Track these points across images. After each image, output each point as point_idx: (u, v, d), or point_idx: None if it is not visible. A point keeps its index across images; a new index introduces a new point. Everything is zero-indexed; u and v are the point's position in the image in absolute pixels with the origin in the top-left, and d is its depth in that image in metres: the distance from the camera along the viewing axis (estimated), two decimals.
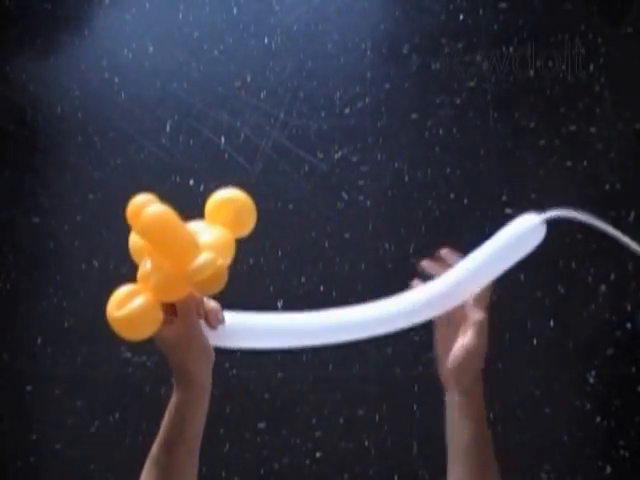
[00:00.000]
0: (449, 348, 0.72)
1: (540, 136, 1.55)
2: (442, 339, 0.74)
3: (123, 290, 0.59)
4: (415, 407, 1.46)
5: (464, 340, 0.70)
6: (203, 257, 0.57)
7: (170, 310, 0.64)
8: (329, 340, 0.73)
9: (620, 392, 1.46)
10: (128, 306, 0.57)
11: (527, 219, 0.72)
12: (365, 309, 0.73)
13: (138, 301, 0.58)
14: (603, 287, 1.49)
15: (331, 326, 0.72)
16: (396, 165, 1.59)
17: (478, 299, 0.71)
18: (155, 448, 0.68)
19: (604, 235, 1.63)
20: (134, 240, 0.63)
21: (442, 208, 1.55)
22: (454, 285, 0.71)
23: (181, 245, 0.58)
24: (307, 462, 1.47)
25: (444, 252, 0.74)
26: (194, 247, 0.58)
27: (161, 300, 0.60)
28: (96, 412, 1.52)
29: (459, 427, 0.70)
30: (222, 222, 0.64)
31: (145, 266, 0.60)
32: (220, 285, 0.59)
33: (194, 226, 0.63)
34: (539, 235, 0.72)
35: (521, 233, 0.71)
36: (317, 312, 0.73)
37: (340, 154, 1.61)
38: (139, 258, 0.63)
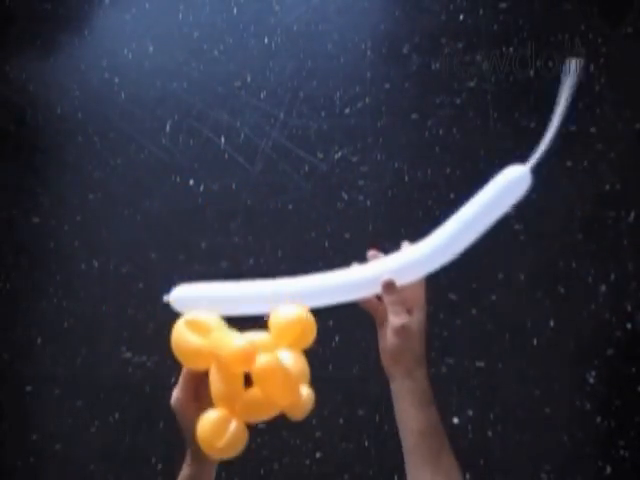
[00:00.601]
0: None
1: (540, 136, 1.55)
2: (381, 333, 0.74)
3: (213, 418, 0.61)
4: None
5: (389, 324, 0.71)
6: (306, 394, 0.64)
7: (196, 396, 0.66)
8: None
9: (620, 392, 1.46)
10: (227, 434, 0.60)
11: (513, 170, 0.74)
12: (364, 268, 0.74)
13: (233, 428, 0.60)
14: (603, 287, 1.49)
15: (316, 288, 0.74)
16: (396, 165, 1.59)
17: (386, 284, 0.71)
18: None
19: (604, 235, 1.64)
20: (194, 348, 0.63)
21: (442, 208, 1.55)
22: (448, 240, 0.72)
23: (288, 386, 0.62)
24: (307, 462, 1.47)
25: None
26: (297, 386, 0.63)
27: (247, 422, 0.62)
28: (96, 412, 1.52)
29: (408, 415, 0.70)
30: (289, 341, 0.66)
31: (222, 386, 0.62)
32: (309, 412, 0.64)
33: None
34: (525, 184, 0.73)
35: (509, 183, 0.72)
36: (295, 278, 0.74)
37: (340, 154, 1.61)
38: (196, 363, 0.64)
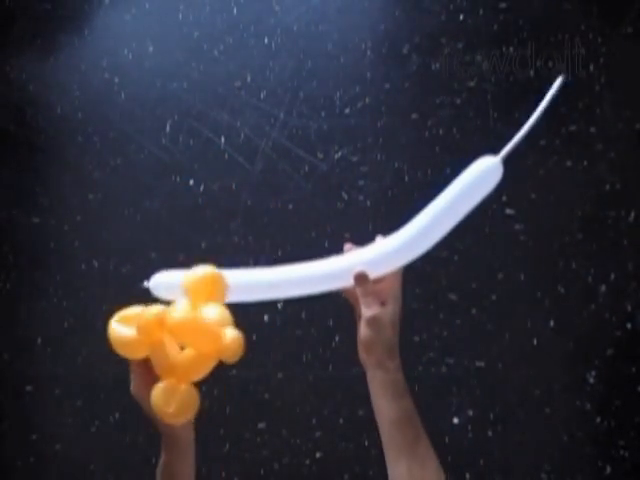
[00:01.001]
0: None
1: (540, 136, 1.55)
2: (359, 324, 0.75)
3: (160, 388, 0.65)
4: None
5: (362, 315, 0.72)
6: (230, 335, 0.65)
7: (150, 382, 0.67)
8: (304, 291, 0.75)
9: (620, 392, 1.46)
10: (176, 399, 0.64)
11: (485, 161, 0.74)
12: (338, 260, 0.75)
13: (181, 391, 0.65)
14: (603, 287, 1.49)
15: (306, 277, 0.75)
16: (396, 165, 1.60)
17: (357, 276, 0.72)
18: None
19: (604, 235, 1.63)
20: (128, 339, 0.67)
21: None
22: (420, 232, 0.72)
23: (207, 332, 0.65)
24: (307, 462, 1.47)
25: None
26: (216, 330, 0.65)
27: (192, 381, 0.66)
28: (96, 412, 1.52)
29: (381, 406, 0.71)
30: (205, 297, 0.70)
31: (159, 359, 0.66)
32: (241, 352, 0.66)
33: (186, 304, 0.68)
34: (497, 176, 0.73)
35: (481, 174, 0.73)
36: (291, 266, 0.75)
37: (340, 154, 1.61)
38: (134, 352, 0.68)
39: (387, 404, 0.70)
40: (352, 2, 1.71)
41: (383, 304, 0.72)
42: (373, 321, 0.71)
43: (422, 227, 0.73)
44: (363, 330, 0.72)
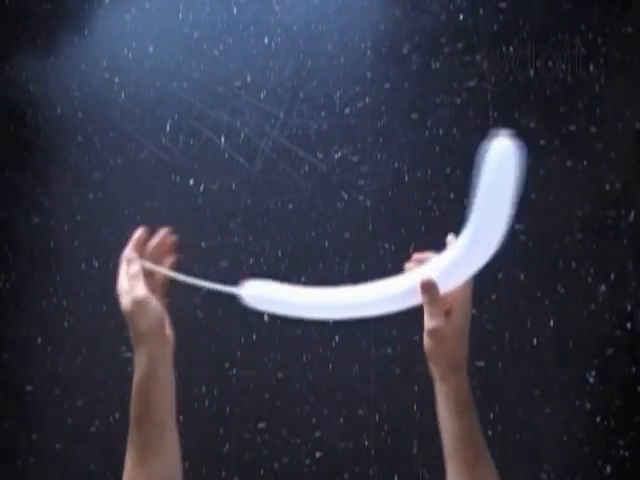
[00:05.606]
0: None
1: (540, 136, 1.55)
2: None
3: None
4: (415, 407, 1.46)
5: (425, 325, 0.68)
6: None
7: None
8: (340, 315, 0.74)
9: (620, 392, 1.46)
10: None
11: (497, 146, 0.68)
12: (407, 278, 0.71)
13: None
14: (603, 287, 1.49)
15: (344, 302, 0.73)
16: (396, 165, 1.59)
17: (424, 283, 0.68)
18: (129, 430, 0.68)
19: (604, 235, 1.63)
20: None
21: (442, 208, 1.55)
22: (484, 232, 0.71)
23: None
24: (307, 462, 1.47)
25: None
26: None
27: None
28: (96, 412, 1.52)
29: (444, 420, 0.68)
30: None
31: None
32: None
33: None
34: (512, 152, 0.67)
35: (500, 159, 0.68)
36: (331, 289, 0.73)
37: (340, 154, 1.61)
38: None
39: (450, 419, 0.67)
40: (352, 2, 1.71)
41: (448, 315, 0.68)
42: (434, 333, 0.67)
43: (482, 230, 0.70)
44: (425, 341, 0.68)
